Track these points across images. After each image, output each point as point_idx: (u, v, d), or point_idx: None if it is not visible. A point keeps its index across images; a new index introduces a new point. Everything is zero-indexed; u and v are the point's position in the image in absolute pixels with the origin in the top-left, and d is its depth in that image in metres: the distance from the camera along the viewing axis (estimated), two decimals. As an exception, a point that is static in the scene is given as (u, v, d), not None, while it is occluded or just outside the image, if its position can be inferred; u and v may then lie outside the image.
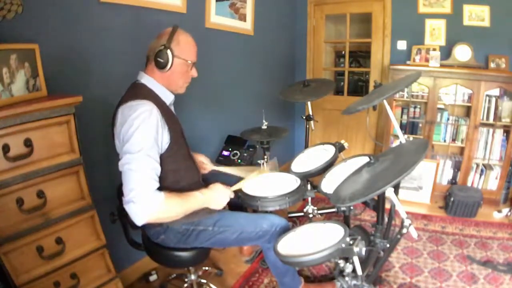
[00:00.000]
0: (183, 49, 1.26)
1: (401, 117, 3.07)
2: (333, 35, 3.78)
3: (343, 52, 3.72)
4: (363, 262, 1.20)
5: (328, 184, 1.51)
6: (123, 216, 1.41)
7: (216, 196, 1.31)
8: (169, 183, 1.26)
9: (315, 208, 2.21)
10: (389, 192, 1.10)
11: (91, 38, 1.56)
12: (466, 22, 2.85)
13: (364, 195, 0.99)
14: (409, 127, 3.03)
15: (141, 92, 1.23)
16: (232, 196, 1.35)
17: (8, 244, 1.06)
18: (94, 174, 1.35)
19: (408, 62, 3.02)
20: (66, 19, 1.44)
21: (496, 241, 2.26)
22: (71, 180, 1.21)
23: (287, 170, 1.74)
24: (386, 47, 3.20)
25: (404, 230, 1.14)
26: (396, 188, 1.49)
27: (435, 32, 2.98)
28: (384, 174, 1.06)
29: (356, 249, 1.04)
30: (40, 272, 1.14)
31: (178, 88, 1.33)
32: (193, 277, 1.71)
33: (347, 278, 1.23)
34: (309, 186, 2.12)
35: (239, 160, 2.09)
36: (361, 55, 3.89)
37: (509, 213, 2.61)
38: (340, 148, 1.82)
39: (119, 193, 1.39)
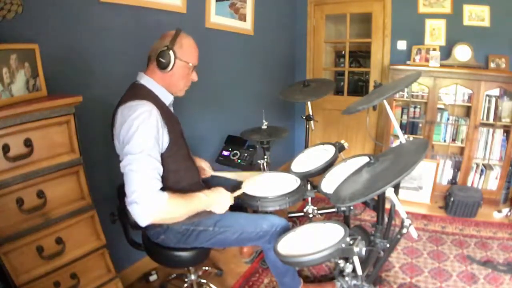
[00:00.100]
0: (185, 52, 1.27)
1: (401, 117, 3.07)
2: (333, 35, 3.78)
3: (343, 52, 3.72)
4: (363, 262, 1.20)
5: (328, 184, 1.51)
6: (123, 216, 1.41)
7: (220, 199, 1.30)
8: (169, 184, 1.25)
9: (315, 208, 2.21)
10: (389, 192, 1.10)
11: (91, 38, 1.56)
12: (466, 22, 2.85)
13: (364, 195, 0.99)
14: (409, 127, 3.03)
15: (140, 93, 1.23)
16: (233, 202, 1.35)
17: (8, 244, 1.06)
18: (94, 174, 1.35)
19: (408, 62, 3.02)
20: (66, 19, 1.44)
21: (496, 241, 2.26)
22: (71, 180, 1.21)
23: (287, 170, 1.74)
24: (386, 47, 3.20)
25: (404, 230, 1.14)
26: (396, 188, 1.49)
27: (435, 32, 2.98)
28: (384, 174, 1.06)
29: (356, 249, 1.04)
30: (40, 272, 1.14)
31: (177, 91, 1.34)
32: (193, 277, 1.71)
33: (347, 278, 1.23)
34: (309, 186, 2.12)
35: (239, 160, 2.09)
36: (361, 55, 3.89)
37: (509, 213, 2.61)
38: (340, 148, 1.82)
39: (119, 193, 1.39)
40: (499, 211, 2.65)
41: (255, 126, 2.19)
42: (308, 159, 1.82)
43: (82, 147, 1.23)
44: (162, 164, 1.19)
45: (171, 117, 1.30)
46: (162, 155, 1.22)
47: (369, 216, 2.62)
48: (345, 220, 1.73)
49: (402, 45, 3.13)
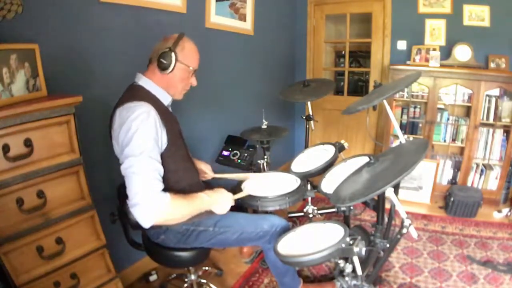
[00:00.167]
0: (187, 55, 1.27)
1: (401, 117, 3.07)
2: (333, 35, 3.78)
3: (343, 52, 3.72)
4: (363, 262, 1.20)
5: (328, 184, 1.52)
6: (123, 216, 1.41)
7: (221, 200, 1.30)
8: (170, 184, 1.25)
9: (315, 208, 2.22)
10: (389, 192, 1.10)
11: (91, 38, 1.56)
12: (466, 22, 2.85)
13: (364, 195, 0.99)
14: (409, 127, 3.03)
15: (138, 94, 1.23)
16: (233, 204, 1.35)
17: (8, 244, 1.06)
18: (94, 174, 1.35)
19: (408, 62, 3.02)
20: (66, 19, 1.44)
21: (496, 241, 2.26)
22: (71, 180, 1.21)
23: (287, 170, 1.74)
24: (386, 47, 3.20)
25: (404, 230, 1.14)
26: (396, 188, 1.49)
27: (435, 32, 2.98)
28: (384, 174, 1.06)
29: (356, 249, 1.05)
30: (40, 272, 1.14)
31: (176, 93, 1.34)
32: (193, 277, 1.71)
33: (347, 278, 1.23)
34: (309, 186, 2.12)
35: (239, 160, 2.09)
36: (361, 55, 3.89)
37: (509, 213, 2.61)
38: (340, 148, 1.82)
39: (119, 193, 1.40)
40: (499, 211, 2.65)
41: (255, 126, 2.19)
42: (308, 159, 1.82)
43: (82, 147, 1.23)
44: (162, 164, 1.19)
45: (170, 117, 1.30)
46: (161, 156, 1.22)
47: (369, 216, 2.62)
48: (345, 220, 1.73)
49: (402, 45, 3.13)
